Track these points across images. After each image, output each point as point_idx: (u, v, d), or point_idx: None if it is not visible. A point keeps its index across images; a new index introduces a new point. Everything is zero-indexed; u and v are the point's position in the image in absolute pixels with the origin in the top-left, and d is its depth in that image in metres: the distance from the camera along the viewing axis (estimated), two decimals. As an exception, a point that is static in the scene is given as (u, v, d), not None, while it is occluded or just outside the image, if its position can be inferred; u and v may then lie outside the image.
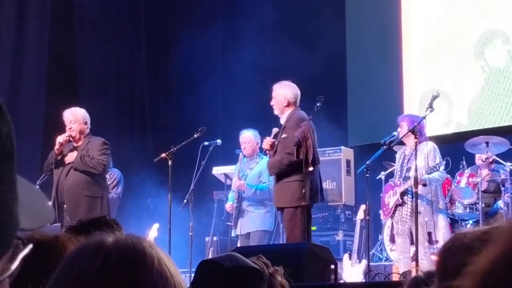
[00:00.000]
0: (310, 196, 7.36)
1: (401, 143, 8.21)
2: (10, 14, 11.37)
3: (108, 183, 9.31)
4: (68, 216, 7.80)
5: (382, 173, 9.65)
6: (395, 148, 8.44)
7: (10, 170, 0.90)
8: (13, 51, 11.36)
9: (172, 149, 8.21)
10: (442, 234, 7.97)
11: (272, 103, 7.81)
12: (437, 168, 7.86)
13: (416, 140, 7.56)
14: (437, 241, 7.89)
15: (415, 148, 7.54)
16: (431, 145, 8.01)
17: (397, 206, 8.03)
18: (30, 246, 0.94)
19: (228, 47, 12.15)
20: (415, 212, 7.42)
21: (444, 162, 8.10)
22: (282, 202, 7.53)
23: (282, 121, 7.73)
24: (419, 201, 7.70)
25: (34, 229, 0.98)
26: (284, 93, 7.76)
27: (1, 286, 0.93)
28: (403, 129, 7.96)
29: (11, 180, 0.90)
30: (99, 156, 7.91)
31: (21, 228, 0.91)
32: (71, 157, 7.95)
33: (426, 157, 7.82)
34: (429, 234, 7.87)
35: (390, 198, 8.08)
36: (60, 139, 7.98)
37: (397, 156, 8.31)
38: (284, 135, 7.55)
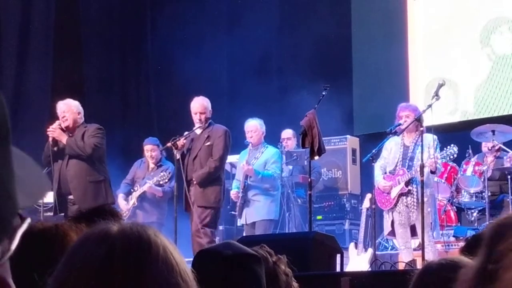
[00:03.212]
0: (223, 199, 8.40)
1: (392, 133, 8.14)
2: (15, 13, 11.38)
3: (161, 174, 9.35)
4: (77, 205, 7.81)
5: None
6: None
7: (6, 152, 0.89)
8: (19, 45, 11.37)
9: (177, 139, 8.22)
10: (436, 227, 7.98)
11: (199, 117, 8.30)
12: (454, 151, 7.81)
13: (422, 128, 7.53)
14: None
15: (421, 138, 7.51)
16: (433, 136, 7.94)
17: (400, 195, 7.91)
18: (28, 220, 0.93)
19: (233, 35, 12.13)
20: (421, 202, 7.40)
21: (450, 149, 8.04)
22: (205, 202, 8.15)
23: (198, 130, 8.31)
24: (423, 191, 7.68)
25: (33, 205, 0.97)
26: (207, 105, 8.42)
27: (2, 268, 0.92)
28: (410, 119, 7.83)
29: (7, 162, 0.89)
30: (90, 139, 7.96)
31: (21, 207, 0.90)
32: (63, 137, 7.97)
33: (429, 148, 7.76)
34: (431, 224, 7.84)
35: (392, 189, 7.98)
36: (50, 129, 8.02)
37: (390, 146, 8.12)
38: (207, 143, 8.21)
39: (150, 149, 9.44)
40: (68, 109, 8.11)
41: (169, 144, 8.30)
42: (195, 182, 8.19)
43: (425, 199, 7.69)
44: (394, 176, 7.97)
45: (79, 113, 8.15)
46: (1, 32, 11.35)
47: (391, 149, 8.05)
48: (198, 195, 8.18)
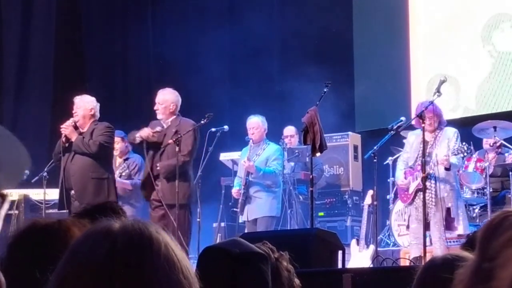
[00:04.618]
0: (193, 195, 8.17)
1: (411, 127, 8.11)
2: (17, 5, 11.39)
3: (127, 170, 9.33)
4: (77, 201, 7.81)
5: (390, 158, 9.63)
6: (402, 133, 8.40)
7: None
8: (20, 41, 11.38)
9: (179, 136, 8.20)
10: (462, 220, 7.91)
11: (156, 107, 8.26)
12: (464, 149, 7.76)
13: (423, 125, 7.51)
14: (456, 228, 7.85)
15: (423, 132, 7.50)
16: (453, 130, 7.91)
17: (417, 191, 7.85)
18: (9, 198, 0.93)
19: (234, 33, 12.13)
20: (423, 198, 7.39)
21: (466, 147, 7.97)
22: (173, 199, 7.95)
23: (165, 124, 8.20)
24: (442, 186, 7.65)
25: (14, 186, 0.96)
26: (172, 99, 8.26)
27: None
28: (430, 116, 7.71)
29: None
30: (97, 137, 7.95)
31: (2, 189, 0.89)
32: (73, 135, 7.97)
33: (449, 142, 7.72)
34: (453, 219, 7.77)
35: (410, 184, 7.94)
36: (64, 126, 8.02)
37: (412, 140, 8.06)
38: (175, 138, 8.04)
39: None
40: (81, 104, 8.13)
41: (170, 141, 8.21)
42: (161, 173, 8.03)
43: (445, 195, 7.68)
44: (413, 171, 7.93)
45: (91, 109, 8.13)
46: (2, 24, 11.37)
47: (413, 143, 7.99)
48: (166, 192, 8.02)
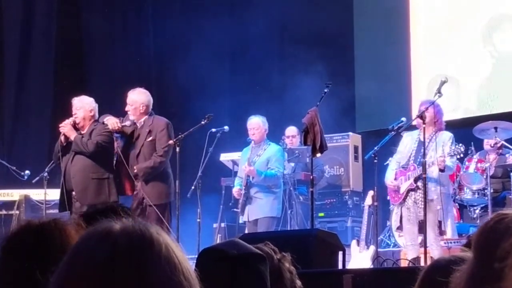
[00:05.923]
0: (173, 193, 8.11)
1: (409, 128, 8.11)
2: (17, 5, 11.40)
3: None
4: (78, 202, 7.81)
5: (390, 159, 9.61)
6: (402, 134, 8.39)
7: None
8: (20, 41, 11.39)
9: (179, 136, 8.20)
10: (450, 224, 7.89)
11: (127, 108, 8.19)
12: (461, 151, 7.74)
13: (424, 125, 7.51)
14: (444, 231, 7.83)
15: (423, 133, 7.50)
16: (449, 134, 7.89)
17: (409, 191, 7.84)
18: None
19: (234, 33, 12.12)
20: (424, 198, 7.38)
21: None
22: (159, 199, 7.99)
23: (139, 124, 8.15)
24: (433, 188, 7.62)
25: None
26: (142, 100, 8.16)
27: None
28: (429, 113, 7.68)
29: None
30: (95, 137, 7.95)
31: None
32: (72, 133, 7.96)
33: (444, 146, 7.70)
34: (440, 222, 7.75)
35: (402, 184, 7.93)
36: (62, 124, 8.02)
37: (407, 140, 8.07)
38: (150, 138, 8.04)
39: None
40: (80, 105, 8.11)
41: (171, 142, 8.19)
42: (139, 176, 8.00)
43: (435, 197, 7.64)
44: (406, 171, 7.91)
45: (91, 110, 8.12)
46: (2, 24, 11.38)
47: (407, 143, 8.00)
48: (150, 193, 8.00)
